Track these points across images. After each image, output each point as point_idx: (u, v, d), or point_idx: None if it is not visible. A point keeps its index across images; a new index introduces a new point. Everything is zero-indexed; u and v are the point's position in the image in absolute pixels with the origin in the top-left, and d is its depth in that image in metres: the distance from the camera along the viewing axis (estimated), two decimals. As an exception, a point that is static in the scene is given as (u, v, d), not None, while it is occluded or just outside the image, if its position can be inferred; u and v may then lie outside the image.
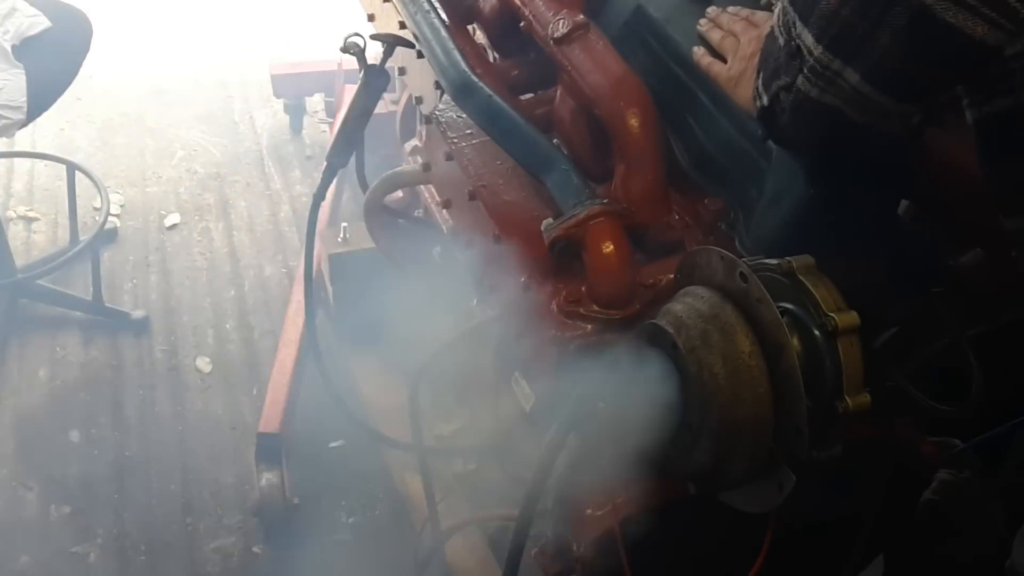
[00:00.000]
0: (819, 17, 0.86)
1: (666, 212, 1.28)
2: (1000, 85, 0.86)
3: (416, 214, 1.99)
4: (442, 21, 1.48)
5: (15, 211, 2.95)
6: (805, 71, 0.90)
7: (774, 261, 0.97)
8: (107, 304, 2.60)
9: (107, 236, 2.80)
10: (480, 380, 1.64)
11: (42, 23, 2.24)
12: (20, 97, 2.13)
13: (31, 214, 2.95)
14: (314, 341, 1.89)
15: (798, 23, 0.89)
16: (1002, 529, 1.16)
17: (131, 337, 2.58)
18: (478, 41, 1.60)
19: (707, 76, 1.20)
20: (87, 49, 2.32)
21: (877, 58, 0.84)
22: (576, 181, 1.21)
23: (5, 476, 2.25)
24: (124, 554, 2.11)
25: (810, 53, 0.89)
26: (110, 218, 2.79)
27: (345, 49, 1.63)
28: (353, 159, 1.73)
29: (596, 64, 1.30)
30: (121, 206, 3.00)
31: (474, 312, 1.75)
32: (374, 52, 1.65)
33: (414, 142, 2.10)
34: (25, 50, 2.18)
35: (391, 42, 1.57)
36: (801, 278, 0.95)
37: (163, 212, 3.01)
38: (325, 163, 1.76)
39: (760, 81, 1.00)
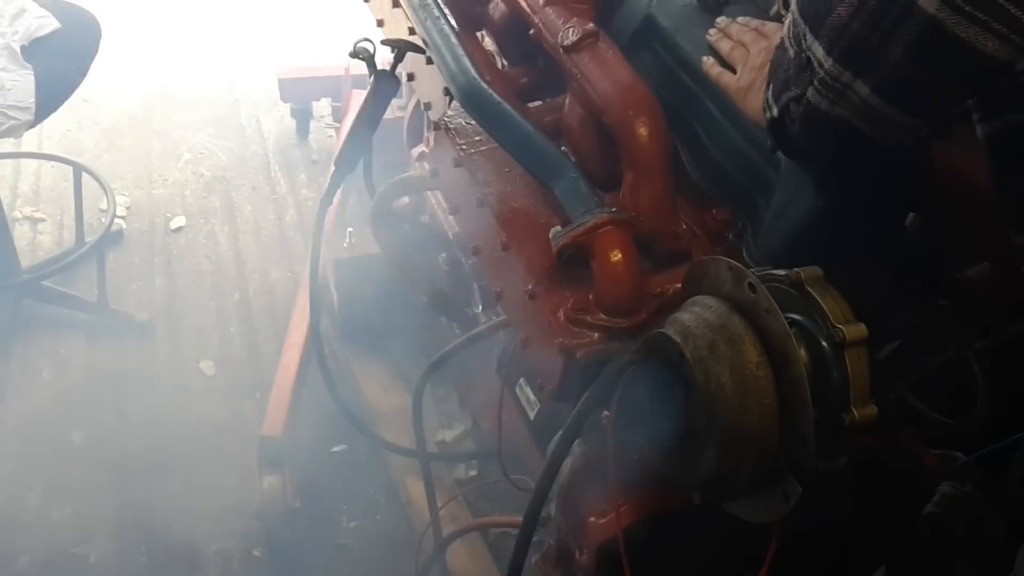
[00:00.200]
0: (829, 29, 0.86)
1: (674, 221, 1.28)
2: (1011, 100, 0.86)
3: (422, 220, 1.99)
4: (451, 27, 1.48)
5: (21, 212, 2.95)
6: (815, 83, 0.90)
7: (782, 272, 0.97)
8: (112, 306, 2.61)
9: (113, 238, 2.80)
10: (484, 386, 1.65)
11: (51, 24, 2.25)
12: (28, 98, 2.13)
13: (37, 215, 2.95)
14: (318, 345, 1.90)
15: (808, 35, 0.90)
16: (1004, 543, 1.16)
17: (135, 339, 2.58)
18: (487, 48, 1.60)
19: (716, 86, 1.20)
20: (95, 51, 2.32)
21: (887, 71, 0.84)
22: (584, 189, 1.21)
23: (7, 476, 2.24)
24: (125, 556, 2.11)
25: (820, 65, 0.89)
26: (116, 220, 2.79)
27: (355, 54, 1.64)
28: (360, 164, 1.74)
29: (605, 72, 1.30)
30: (127, 208, 3.00)
31: (479, 319, 1.76)
32: (383, 57, 1.66)
33: (421, 148, 2.10)
34: (34, 51, 2.19)
35: (401, 48, 1.58)
36: (809, 289, 0.95)
37: (169, 215, 3.01)
38: (332, 167, 1.77)
39: (770, 92, 1.00)
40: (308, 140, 3.34)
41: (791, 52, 0.94)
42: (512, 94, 1.42)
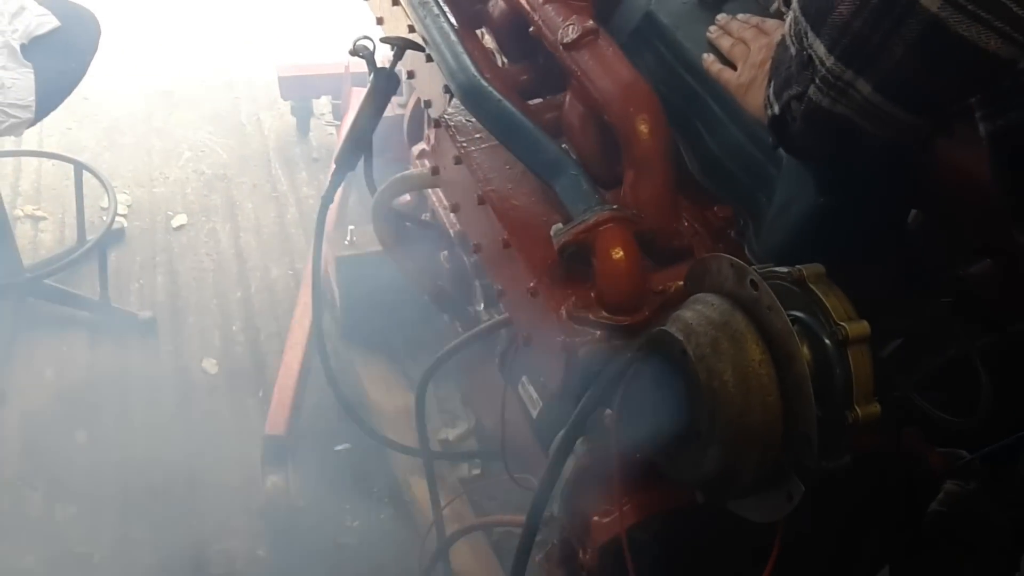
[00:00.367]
0: (831, 27, 0.86)
1: (675, 218, 1.28)
2: (1013, 98, 0.85)
3: (423, 217, 1.99)
4: (451, 25, 1.48)
5: (22, 210, 2.95)
6: (817, 81, 0.90)
7: (784, 269, 0.97)
8: (114, 304, 2.61)
9: (114, 236, 2.80)
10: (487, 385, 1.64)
11: (50, 22, 2.24)
12: (28, 96, 2.13)
13: (38, 213, 2.95)
14: (321, 343, 1.90)
15: (810, 33, 0.89)
16: (1009, 542, 1.16)
17: (137, 338, 2.58)
18: (487, 46, 1.60)
19: (717, 83, 1.20)
20: (95, 49, 2.32)
21: (889, 70, 0.84)
22: (585, 186, 1.21)
23: (11, 476, 2.25)
24: (129, 555, 2.11)
25: (822, 63, 0.88)
26: (117, 218, 2.79)
27: (355, 52, 1.63)
28: (361, 162, 1.74)
29: (605, 70, 1.30)
30: (128, 206, 3.00)
31: (481, 317, 1.75)
32: (383, 55, 1.65)
33: (421, 146, 2.10)
34: (33, 49, 2.19)
35: (401, 45, 1.58)
36: (812, 286, 0.94)
37: (170, 213, 3.01)
38: (333, 165, 1.76)
39: (771, 90, 0.99)
40: (309, 138, 3.34)
41: (792, 50, 0.93)
42: (512, 92, 1.42)
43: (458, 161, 1.43)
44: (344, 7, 2.79)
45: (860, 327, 0.91)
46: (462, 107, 1.43)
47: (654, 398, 1.02)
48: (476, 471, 2.23)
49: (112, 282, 2.63)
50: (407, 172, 1.89)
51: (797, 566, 1.06)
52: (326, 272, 2.38)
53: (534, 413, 1.46)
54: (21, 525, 2.15)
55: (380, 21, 1.81)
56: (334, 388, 1.92)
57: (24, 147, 3.06)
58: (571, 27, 1.33)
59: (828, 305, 0.93)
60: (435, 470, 1.91)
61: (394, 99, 1.77)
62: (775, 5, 1.25)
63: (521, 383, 1.50)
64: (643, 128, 1.24)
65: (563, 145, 1.35)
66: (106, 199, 2.78)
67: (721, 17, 1.25)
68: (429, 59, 1.51)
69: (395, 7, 1.65)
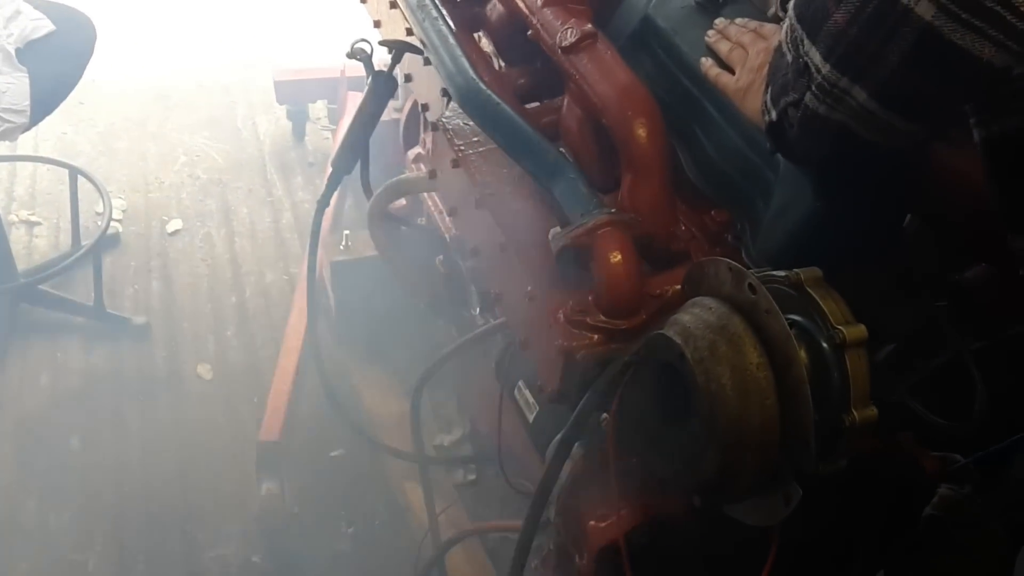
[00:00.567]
0: (827, 35, 0.86)
1: (673, 222, 1.28)
2: (1008, 105, 0.86)
3: (420, 222, 1.99)
4: (449, 28, 1.48)
5: (17, 215, 2.95)
6: (813, 88, 0.90)
7: (782, 273, 0.96)
8: (108, 310, 2.60)
9: (109, 241, 2.80)
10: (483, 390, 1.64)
11: (46, 26, 2.24)
12: (23, 101, 2.13)
13: (33, 218, 2.95)
14: (316, 349, 1.89)
15: (806, 40, 0.89)
16: (1004, 546, 1.16)
17: (132, 343, 2.57)
18: (485, 49, 1.60)
19: (715, 87, 1.20)
20: (91, 53, 2.32)
21: (885, 77, 0.84)
22: (583, 190, 1.21)
23: (4, 482, 2.24)
24: (123, 562, 2.10)
25: (818, 71, 0.88)
26: (112, 223, 2.79)
27: (352, 55, 1.63)
28: (357, 166, 1.74)
29: (604, 73, 1.30)
30: (123, 211, 3.00)
31: (477, 321, 1.75)
32: (380, 58, 1.65)
33: (417, 150, 2.10)
34: (29, 53, 2.19)
35: (399, 48, 1.58)
36: (809, 290, 0.94)
37: (165, 218, 3.01)
38: (329, 169, 1.76)
39: (768, 96, 1.00)
40: (304, 142, 3.34)
41: (788, 57, 0.93)
42: (510, 95, 1.42)
43: (455, 165, 1.43)
44: (341, 10, 2.79)
45: (857, 331, 0.91)
46: (460, 111, 1.43)
47: (652, 402, 1.02)
48: (472, 477, 2.23)
49: (107, 287, 2.63)
50: (403, 176, 1.89)
51: (793, 570, 1.05)
52: (321, 277, 2.38)
53: (530, 418, 1.46)
54: (15, 532, 2.15)
55: (378, 24, 1.81)
56: (329, 394, 1.92)
57: (19, 152, 3.06)
58: (569, 31, 1.34)
59: (825, 309, 0.93)
60: (430, 476, 1.91)
61: (389, 104, 1.77)
62: (772, 9, 1.25)
63: (517, 388, 1.49)
64: (641, 132, 1.24)
65: (561, 149, 1.35)
66: (101, 204, 2.78)
67: (719, 21, 1.25)
68: (427, 62, 1.51)
69: (393, 10, 1.65)
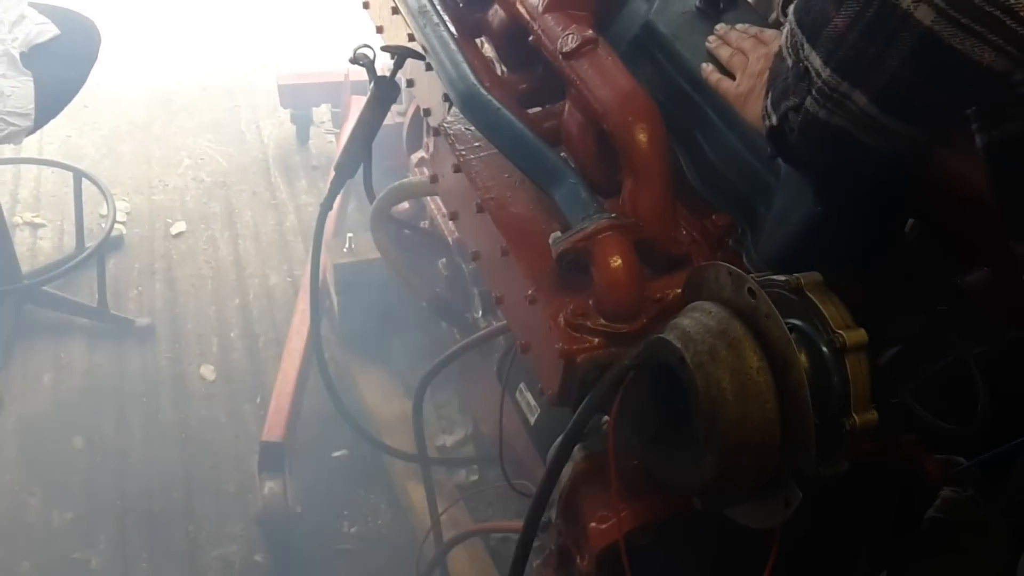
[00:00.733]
0: (827, 40, 0.87)
1: (673, 227, 1.28)
2: (1008, 110, 0.86)
3: (422, 225, 2.00)
4: (451, 34, 1.48)
5: (21, 217, 2.96)
6: (813, 93, 0.90)
7: (782, 277, 0.97)
8: (112, 311, 2.61)
9: (113, 243, 2.81)
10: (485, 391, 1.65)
11: (50, 31, 2.25)
12: (28, 104, 2.14)
13: (37, 220, 2.96)
14: (319, 350, 1.90)
15: (806, 45, 0.90)
16: (1006, 548, 1.16)
17: (136, 344, 2.58)
18: (486, 54, 1.60)
19: (716, 92, 1.21)
20: (95, 57, 2.33)
21: (884, 82, 0.84)
22: (584, 195, 1.21)
23: (8, 481, 2.25)
24: (126, 561, 2.11)
25: (818, 75, 0.89)
26: (116, 225, 2.80)
27: (355, 60, 1.64)
28: (360, 170, 1.74)
29: (604, 79, 1.30)
30: (127, 214, 3.01)
31: (479, 324, 1.76)
32: (383, 64, 1.66)
33: (420, 154, 2.11)
34: (33, 57, 2.20)
35: (401, 54, 1.58)
36: (809, 295, 0.95)
37: (169, 220, 3.02)
38: (332, 173, 1.77)
39: (769, 101, 1.00)
40: (308, 146, 3.35)
41: (789, 61, 0.94)
42: (511, 100, 1.42)
43: (457, 169, 1.43)
44: (344, 15, 2.80)
45: (857, 335, 0.92)
46: (461, 115, 1.43)
47: (652, 405, 1.03)
48: (474, 477, 2.24)
49: (110, 289, 2.64)
50: (406, 180, 1.90)
51: (794, 572, 1.06)
52: (324, 279, 2.39)
53: (532, 420, 1.47)
54: (18, 530, 2.16)
55: (380, 30, 1.81)
56: (332, 395, 1.92)
57: (24, 155, 3.07)
58: (570, 36, 1.34)
59: (825, 313, 0.93)
60: (433, 476, 1.91)
61: (393, 107, 1.78)
62: (773, 15, 1.26)
63: (519, 390, 1.50)
64: (642, 137, 1.24)
65: (562, 154, 1.35)
66: (105, 206, 2.79)
67: (720, 27, 1.25)
68: (429, 68, 1.52)
69: (395, 16, 1.66)
